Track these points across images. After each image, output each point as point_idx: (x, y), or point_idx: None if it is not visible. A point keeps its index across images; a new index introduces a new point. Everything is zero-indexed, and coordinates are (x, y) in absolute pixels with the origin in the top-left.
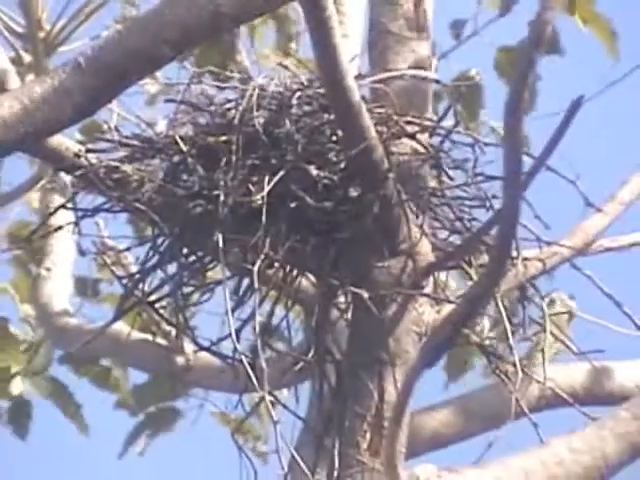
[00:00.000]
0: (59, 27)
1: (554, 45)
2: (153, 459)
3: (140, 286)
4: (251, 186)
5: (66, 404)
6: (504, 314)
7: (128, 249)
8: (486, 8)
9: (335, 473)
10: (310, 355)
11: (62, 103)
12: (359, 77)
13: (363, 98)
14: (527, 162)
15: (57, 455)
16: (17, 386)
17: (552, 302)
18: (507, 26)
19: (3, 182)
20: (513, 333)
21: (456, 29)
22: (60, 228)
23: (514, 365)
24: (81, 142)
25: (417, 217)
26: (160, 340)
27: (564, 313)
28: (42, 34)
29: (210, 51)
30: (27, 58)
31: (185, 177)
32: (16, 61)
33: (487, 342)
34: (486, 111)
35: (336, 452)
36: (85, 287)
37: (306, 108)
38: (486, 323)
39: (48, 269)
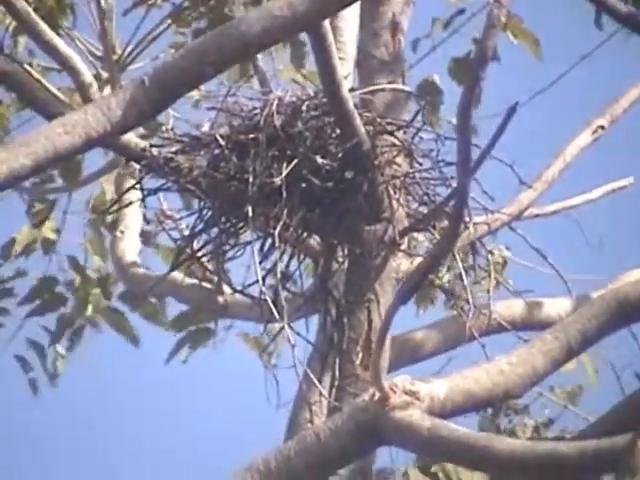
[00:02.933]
0: (128, 51)
1: (493, 54)
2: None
3: (190, 245)
4: (272, 171)
5: (123, 326)
6: (459, 263)
7: (181, 218)
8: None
9: (336, 382)
10: (317, 295)
11: (130, 110)
12: (352, 90)
13: (355, 105)
14: (476, 151)
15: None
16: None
17: (491, 252)
18: (458, 41)
19: (85, 167)
20: (466, 277)
21: (414, 45)
22: (131, 203)
23: (467, 302)
24: (144, 136)
25: (395, 193)
26: (205, 285)
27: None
28: (115, 57)
29: (241, 68)
30: (104, 75)
31: (223, 165)
32: (96, 77)
33: (447, 285)
34: (444, 107)
35: (336, 367)
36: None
37: (313, 113)
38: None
39: (122, 232)
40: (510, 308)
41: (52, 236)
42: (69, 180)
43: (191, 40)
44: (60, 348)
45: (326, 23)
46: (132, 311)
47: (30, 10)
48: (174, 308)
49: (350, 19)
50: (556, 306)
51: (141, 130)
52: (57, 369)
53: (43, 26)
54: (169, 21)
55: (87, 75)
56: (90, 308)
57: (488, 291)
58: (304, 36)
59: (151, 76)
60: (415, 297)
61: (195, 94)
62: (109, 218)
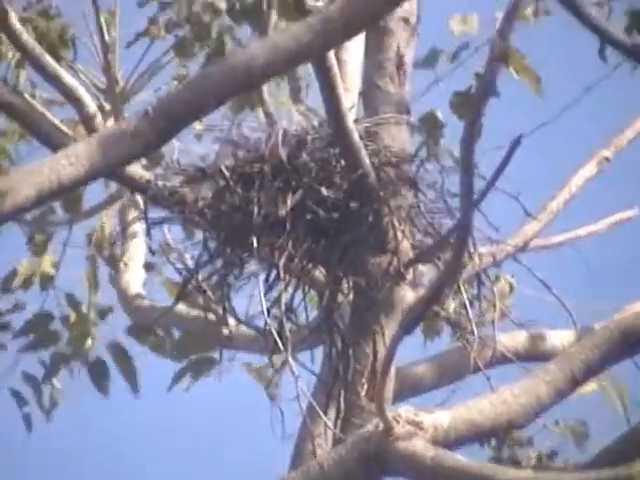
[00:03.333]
0: (131, 83)
1: (493, 90)
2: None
3: (194, 276)
4: (277, 202)
5: (126, 368)
6: (464, 294)
7: (185, 249)
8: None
9: (341, 414)
10: (322, 327)
11: (135, 141)
12: (356, 121)
13: (360, 136)
14: (481, 183)
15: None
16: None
17: (497, 278)
18: (460, 75)
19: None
20: (471, 308)
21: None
22: (135, 235)
23: (472, 333)
24: (146, 167)
25: (400, 224)
26: (210, 316)
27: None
28: (118, 89)
29: (244, 100)
30: (107, 106)
31: (228, 196)
32: (99, 109)
33: (452, 316)
34: (448, 139)
35: (342, 399)
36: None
37: (318, 144)
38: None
39: (126, 263)
40: (514, 339)
41: (51, 271)
42: (70, 211)
43: (194, 72)
44: (56, 382)
45: (331, 55)
46: (140, 344)
47: (35, 42)
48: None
49: (354, 50)
50: (560, 337)
51: (144, 161)
52: (53, 403)
53: (47, 58)
54: (172, 53)
55: (91, 106)
56: (89, 342)
57: (493, 322)
58: (300, 69)
59: (155, 107)
60: (422, 328)
61: (197, 125)
62: (107, 252)
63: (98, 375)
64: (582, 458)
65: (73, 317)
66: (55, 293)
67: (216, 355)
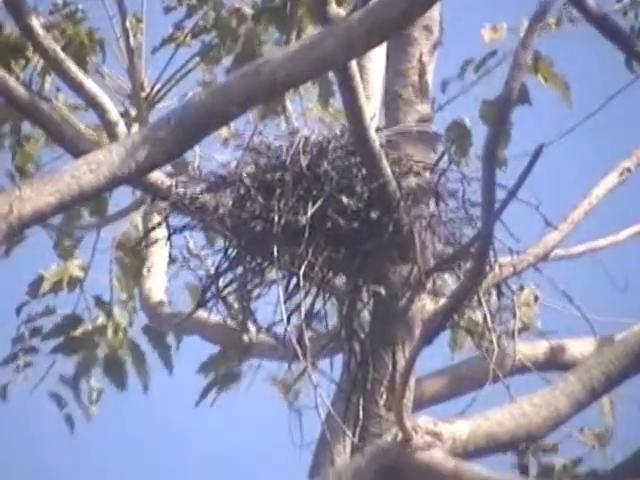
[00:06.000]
0: (157, 89)
1: (524, 97)
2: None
3: (215, 283)
4: (298, 210)
5: (140, 367)
6: (485, 305)
7: (207, 257)
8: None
9: (359, 423)
10: (341, 335)
11: (156, 150)
12: (378, 130)
13: (381, 145)
14: (503, 192)
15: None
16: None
17: (522, 288)
18: (489, 84)
19: (111, 205)
20: (491, 318)
21: (444, 86)
22: (157, 241)
23: (491, 342)
24: (171, 174)
25: (421, 234)
26: (230, 323)
27: (534, 300)
28: (144, 94)
29: (267, 107)
30: (132, 112)
31: (249, 204)
32: (124, 115)
33: (473, 326)
34: (474, 149)
35: (360, 408)
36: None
37: (339, 153)
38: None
39: (149, 270)
40: (534, 349)
41: (78, 273)
42: (96, 216)
43: (220, 77)
44: (94, 382)
45: (353, 64)
46: (153, 348)
47: (57, 48)
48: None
49: (376, 58)
50: (580, 347)
51: (168, 168)
52: (91, 404)
53: (70, 64)
54: (198, 59)
55: (114, 113)
56: (107, 348)
57: (513, 332)
58: (332, 74)
59: (177, 115)
60: (449, 342)
61: (224, 132)
62: (139, 254)
63: (115, 373)
64: (608, 464)
65: (102, 319)
66: (84, 297)
67: (241, 368)
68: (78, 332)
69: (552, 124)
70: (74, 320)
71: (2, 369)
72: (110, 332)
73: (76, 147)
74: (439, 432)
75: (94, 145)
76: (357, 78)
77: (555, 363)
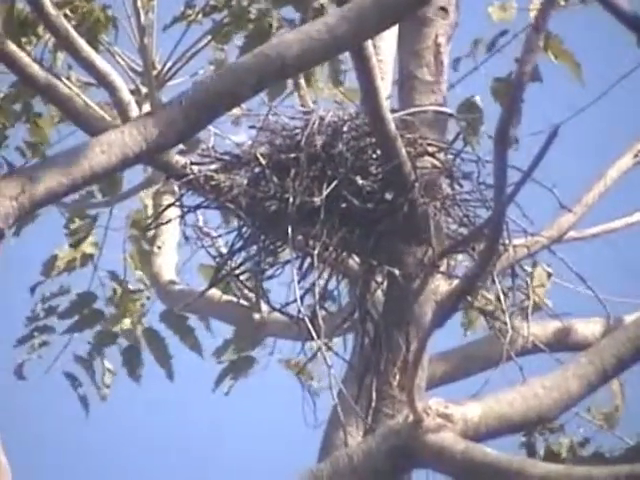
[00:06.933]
0: (168, 67)
1: (535, 75)
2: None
3: (229, 263)
4: (313, 191)
5: (161, 354)
6: (498, 286)
7: (220, 236)
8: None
9: (372, 404)
10: (355, 316)
11: (167, 130)
12: (393, 111)
13: (396, 126)
14: (517, 174)
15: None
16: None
17: (535, 264)
18: (501, 60)
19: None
20: (505, 299)
21: (455, 64)
22: (170, 221)
23: (505, 323)
24: (183, 152)
25: (435, 215)
26: (243, 302)
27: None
28: (155, 72)
29: (280, 86)
30: (143, 90)
31: (263, 184)
32: (135, 92)
33: (486, 307)
34: (485, 127)
35: (373, 388)
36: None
37: (354, 133)
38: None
39: (159, 247)
40: (546, 329)
41: (91, 250)
42: (108, 194)
43: (233, 56)
44: (107, 363)
45: (369, 45)
46: (174, 334)
47: (68, 26)
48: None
49: (388, 38)
50: (591, 327)
51: (180, 145)
52: (105, 384)
53: (81, 42)
54: (209, 37)
55: (125, 92)
56: (125, 324)
57: (526, 313)
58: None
59: (188, 96)
60: (463, 321)
61: (236, 111)
62: (150, 233)
63: (130, 361)
64: (616, 444)
65: (118, 295)
66: (98, 275)
67: (255, 354)
68: (94, 308)
69: (565, 104)
70: (89, 298)
71: (18, 348)
72: (125, 313)
73: (90, 125)
74: (450, 414)
75: (108, 124)
76: (373, 59)
77: (565, 343)
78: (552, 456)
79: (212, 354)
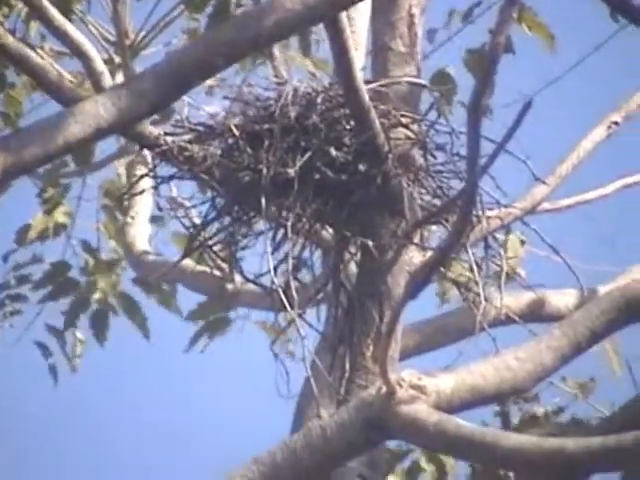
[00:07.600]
0: (141, 36)
1: (508, 46)
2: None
3: (202, 233)
4: (286, 162)
5: (135, 315)
6: (471, 257)
7: (194, 206)
8: (455, 20)
9: (346, 375)
10: (328, 287)
11: (141, 101)
12: (367, 82)
13: (369, 97)
14: (491, 146)
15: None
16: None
17: (508, 232)
18: (474, 31)
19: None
20: (478, 270)
21: (430, 35)
22: (143, 191)
23: (478, 295)
24: (156, 122)
25: (408, 186)
26: (216, 273)
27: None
28: (128, 41)
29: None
30: (117, 60)
31: (237, 155)
32: (108, 62)
33: (459, 278)
34: (458, 98)
35: (347, 359)
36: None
37: (327, 105)
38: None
39: (132, 217)
40: (519, 300)
41: (64, 220)
42: (81, 164)
43: (204, 26)
44: (79, 333)
45: (343, 16)
46: (147, 296)
47: None
48: (185, 294)
49: (362, 9)
50: (565, 299)
51: (154, 116)
52: (76, 355)
53: (54, 12)
54: (182, 7)
55: (98, 62)
56: (99, 292)
57: (500, 285)
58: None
59: (161, 67)
60: (438, 292)
61: (210, 81)
62: (124, 202)
63: (98, 325)
64: (588, 414)
65: (90, 264)
66: (71, 244)
67: (231, 315)
68: (68, 277)
69: (539, 76)
70: (63, 267)
71: None
72: (100, 279)
73: (64, 95)
74: (423, 386)
75: (81, 93)
76: (347, 31)
77: (539, 314)
78: (528, 420)
79: (185, 317)
